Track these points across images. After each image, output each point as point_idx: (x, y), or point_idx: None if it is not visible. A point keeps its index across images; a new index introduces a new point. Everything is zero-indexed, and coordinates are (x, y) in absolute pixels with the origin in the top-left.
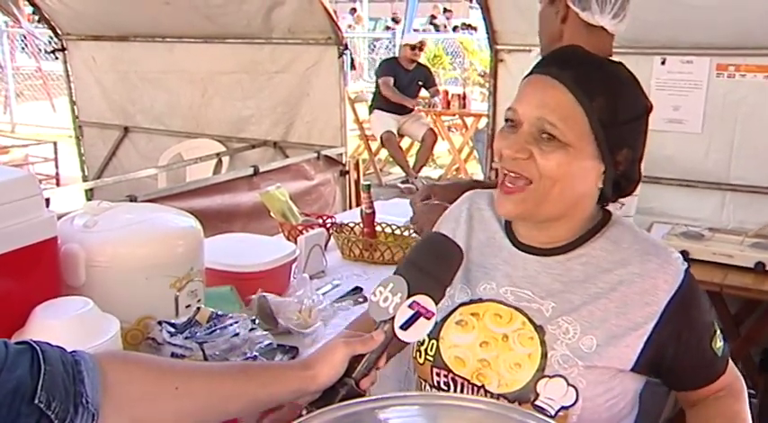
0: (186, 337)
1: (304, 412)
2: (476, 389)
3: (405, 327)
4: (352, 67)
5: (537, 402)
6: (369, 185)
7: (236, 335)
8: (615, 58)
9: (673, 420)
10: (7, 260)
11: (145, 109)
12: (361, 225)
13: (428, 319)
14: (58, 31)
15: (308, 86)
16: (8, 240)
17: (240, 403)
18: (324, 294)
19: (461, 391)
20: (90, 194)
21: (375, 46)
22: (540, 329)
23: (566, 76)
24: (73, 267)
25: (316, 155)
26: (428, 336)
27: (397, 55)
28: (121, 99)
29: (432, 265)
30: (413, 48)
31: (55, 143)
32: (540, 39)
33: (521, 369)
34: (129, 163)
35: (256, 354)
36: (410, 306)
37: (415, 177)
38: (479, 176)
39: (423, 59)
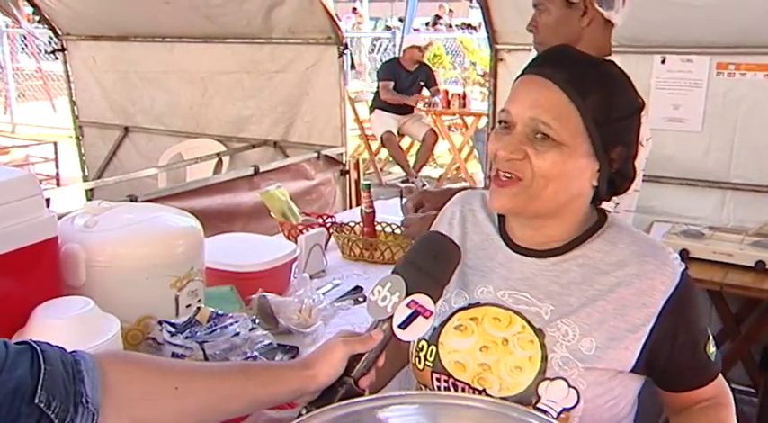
0: (186, 337)
1: (303, 411)
2: (477, 393)
3: (403, 325)
4: (352, 66)
5: (539, 405)
6: (369, 185)
7: (237, 334)
8: (616, 57)
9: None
10: (8, 260)
11: (145, 109)
12: (362, 224)
13: (426, 317)
14: (58, 32)
15: (309, 86)
16: (8, 240)
17: (240, 403)
18: (324, 294)
19: None
20: (90, 194)
21: (375, 46)
22: (539, 332)
23: (558, 76)
24: (73, 267)
25: (316, 154)
26: (427, 341)
27: (397, 55)
28: (121, 99)
29: (430, 263)
30: (420, 49)
31: (55, 143)
32: (552, 43)
33: (522, 372)
34: (130, 163)
35: (257, 353)
36: (408, 305)
37: (416, 177)
38: (479, 176)
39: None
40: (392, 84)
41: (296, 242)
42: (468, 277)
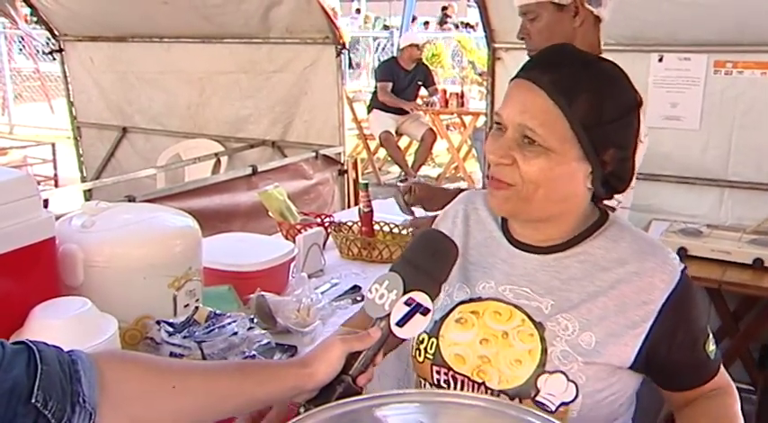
0: (185, 337)
1: (301, 410)
2: (476, 386)
3: (401, 323)
4: (350, 66)
5: (537, 398)
6: (367, 184)
7: (235, 334)
8: (613, 55)
9: (672, 417)
10: (5, 261)
11: (143, 109)
12: (360, 224)
13: (424, 315)
14: (56, 32)
15: (307, 86)
16: (6, 241)
17: (237, 401)
18: (322, 293)
19: (462, 389)
20: (89, 195)
21: (373, 45)
22: (539, 326)
23: (545, 81)
24: (71, 267)
25: (314, 154)
26: (428, 334)
27: (395, 55)
28: (119, 100)
29: (427, 261)
30: (418, 48)
31: (53, 144)
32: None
33: (521, 365)
34: (128, 163)
35: (255, 353)
36: (406, 302)
37: (414, 176)
38: (478, 175)
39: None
40: (390, 85)
41: (294, 242)
42: (471, 273)
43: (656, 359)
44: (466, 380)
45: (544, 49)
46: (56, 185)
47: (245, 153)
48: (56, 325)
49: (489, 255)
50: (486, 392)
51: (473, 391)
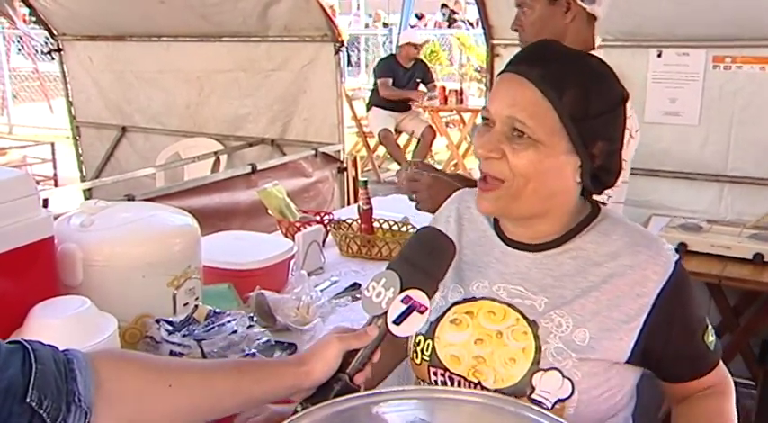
0: (184, 335)
1: (299, 408)
2: (472, 386)
3: (398, 321)
4: (349, 63)
5: (533, 396)
6: (366, 182)
7: (234, 332)
8: (612, 51)
9: (671, 414)
10: (4, 260)
11: (142, 108)
12: (359, 221)
13: (421, 313)
14: (54, 32)
15: (305, 84)
16: (5, 240)
17: (234, 400)
18: (322, 291)
19: None
20: (88, 195)
21: (371, 43)
22: (533, 324)
23: (534, 74)
24: (70, 267)
25: (313, 152)
26: (423, 336)
27: (393, 52)
28: (118, 99)
29: (424, 259)
30: (416, 46)
31: (52, 144)
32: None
33: (515, 364)
34: (127, 162)
35: (254, 351)
36: (403, 300)
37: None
38: (477, 172)
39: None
40: (391, 80)
41: (293, 239)
42: (465, 272)
43: (653, 352)
44: (462, 380)
45: (531, 45)
46: (55, 185)
47: (244, 151)
48: (55, 324)
49: (483, 254)
50: None
51: None
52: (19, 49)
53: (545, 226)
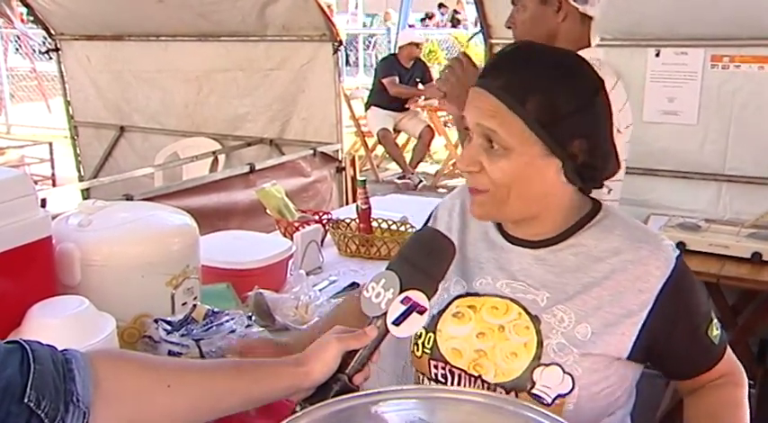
0: (183, 335)
1: (298, 408)
2: (473, 379)
3: (397, 322)
4: (347, 63)
5: (533, 391)
6: (364, 181)
7: (233, 332)
8: (610, 50)
9: (671, 412)
10: (2, 260)
11: (140, 108)
12: (358, 221)
13: (421, 313)
14: (52, 32)
15: (304, 83)
16: (2, 240)
17: (233, 400)
18: (320, 290)
19: (459, 383)
20: (86, 194)
21: (370, 42)
22: (535, 319)
23: (495, 86)
24: (68, 266)
25: (312, 152)
26: (425, 329)
27: (393, 51)
28: (116, 98)
29: (424, 260)
30: (418, 46)
31: (50, 144)
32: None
33: (517, 358)
34: (126, 162)
35: None
36: (402, 301)
37: (412, 173)
38: None
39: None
40: (397, 78)
41: (292, 239)
42: (468, 268)
43: (656, 348)
44: (463, 374)
45: (498, 53)
46: (53, 185)
47: (242, 151)
48: (53, 324)
49: (485, 250)
50: (483, 386)
51: (470, 384)
52: (17, 49)
53: (542, 225)
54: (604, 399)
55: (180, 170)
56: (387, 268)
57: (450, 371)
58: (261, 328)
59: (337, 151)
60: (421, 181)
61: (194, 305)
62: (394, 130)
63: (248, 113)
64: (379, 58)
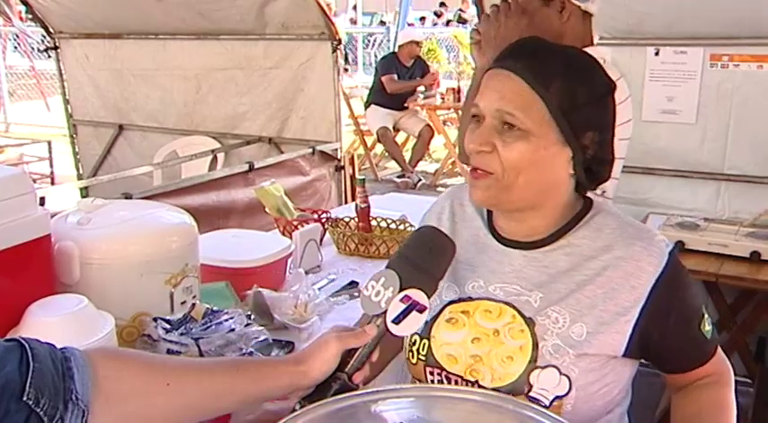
0: (182, 334)
1: (297, 407)
2: (469, 385)
3: (397, 321)
4: (346, 61)
5: (531, 394)
6: (363, 180)
7: (232, 330)
8: (609, 49)
9: (670, 412)
10: (1, 258)
11: (139, 106)
12: (357, 220)
13: (420, 312)
14: (51, 30)
15: (303, 82)
16: (1, 238)
17: (232, 399)
18: (319, 289)
19: None
20: (85, 193)
21: (369, 41)
22: (529, 321)
23: (520, 67)
24: (67, 265)
25: (311, 150)
26: (419, 335)
27: (393, 50)
28: (115, 97)
29: (424, 258)
30: (418, 44)
31: (49, 142)
32: None
33: (513, 362)
34: (124, 161)
35: (252, 349)
36: (402, 300)
37: (412, 172)
38: None
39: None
40: (396, 76)
41: (291, 238)
42: (459, 272)
43: (649, 343)
44: (459, 379)
45: (515, 42)
46: (52, 183)
47: (241, 150)
48: (52, 322)
49: (477, 252)
50: None
51: None
52: (15, 47)
53: (538, 220)
54: (602, 398)
55: (179, 169)
56: (386, 267)
57: (446, 377)
58: (260, 327)
59: (336, 150)
60: (420, 180)
61: (193, 304)
62: (393, 128)
63: (247, 112)
64: (379, 56)
